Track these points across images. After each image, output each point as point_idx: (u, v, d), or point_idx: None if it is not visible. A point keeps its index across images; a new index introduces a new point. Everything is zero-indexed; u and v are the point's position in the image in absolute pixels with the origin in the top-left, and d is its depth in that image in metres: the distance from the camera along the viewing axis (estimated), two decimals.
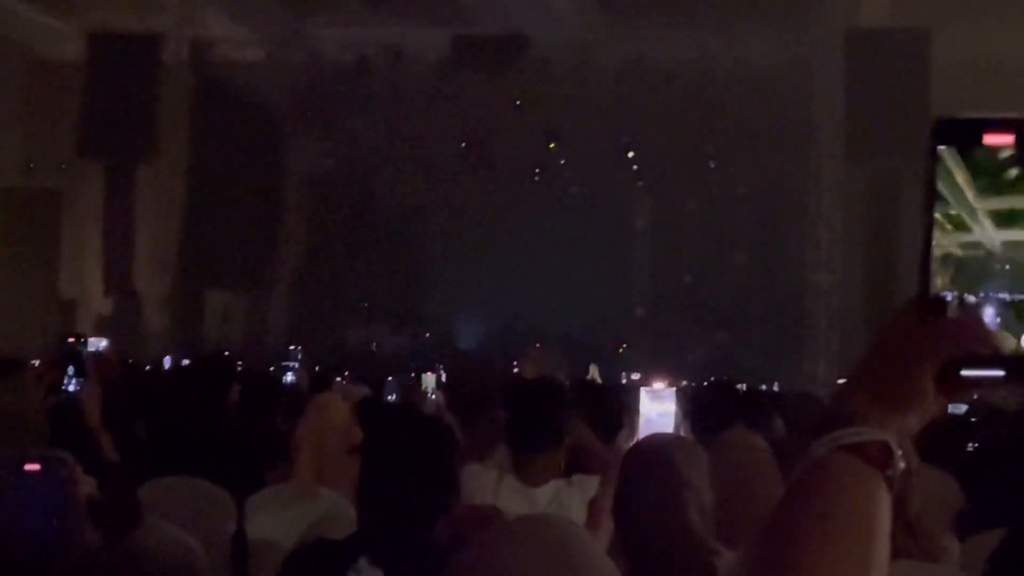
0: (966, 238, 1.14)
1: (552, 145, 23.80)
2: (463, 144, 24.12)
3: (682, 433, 3.45)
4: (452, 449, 3.12)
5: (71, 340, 4.40)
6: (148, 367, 11.08)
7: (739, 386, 16.04)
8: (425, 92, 23.30)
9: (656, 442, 2.86)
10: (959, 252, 1.15)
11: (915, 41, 20.58)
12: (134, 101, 22.58)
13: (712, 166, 23.53)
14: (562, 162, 24.01)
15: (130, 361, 10.77)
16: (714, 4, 19.82)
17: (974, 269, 1.15)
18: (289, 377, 8.02)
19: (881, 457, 1.13)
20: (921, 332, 1.14)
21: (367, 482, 3.01)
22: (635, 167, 23.90)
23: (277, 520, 5.00)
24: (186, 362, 10.64)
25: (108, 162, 23.70)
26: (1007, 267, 1.14)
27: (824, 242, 21.85)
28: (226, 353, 13.40)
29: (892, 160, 20.00)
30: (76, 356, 4.30)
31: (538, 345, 9.78)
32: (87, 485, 2.30)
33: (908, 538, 2.76)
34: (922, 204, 1.14)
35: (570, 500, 3.76)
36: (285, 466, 5.50)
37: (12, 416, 2.88)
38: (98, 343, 14.07)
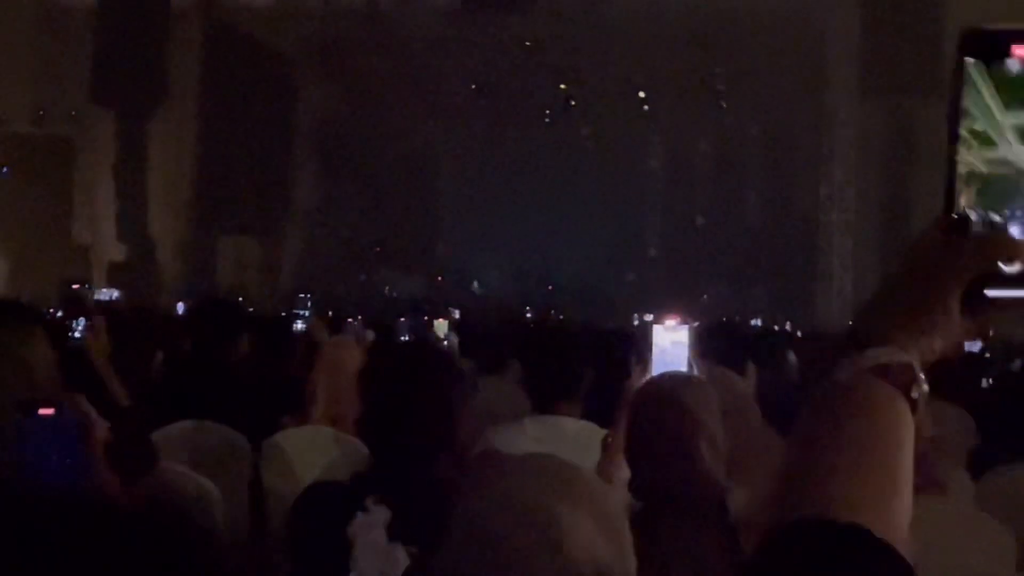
0: (992, 154, 1.12)
1: (563, 86, 23.68)
2: (474, 87, 24.01)
3: (695, 371, 3.44)
4: (452, 379, 3.11)
5: (75, 286, 4.41)
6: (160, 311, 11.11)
7: (753, 323, 16.10)
8: (436, 35, 23.18)
9: (666, 381, 2.86)
10: (984, 169, 1.12)
11: None
12: (145, 48, 22.51)
13: (724, 106, 23.39)
14: (573, 103, 23.90)
15: (143, 307, 10.80)
16: None
17: (1000, 186, 1.12)
18: (299, 325, 8.03)
19: (904, 379, 1.12)
20: (946, 250, 1.12)
21: (369, 412, 3.01)
22: (646, 107, 23.77)
23: (293, 463, 5.03)
24: (198, 306, 10.66)
25: (120, 109, 23.66)
26: None
27: (838, 181, 21.76)
28: (239, 299, 13.45)
29: (908, 97, 19.87)
30: (82, 301, 4.31)
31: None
32: (101, 429, 2.31)
33: (915, 470, 2.75)
34: (947, 119, 1.12)
35: (592, 442, 3.77)
36: (300, 410, 5.52)
37: (27, 366, 2.88)
38: (110, 292, 14.13)
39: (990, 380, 6.17)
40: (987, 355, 7.15)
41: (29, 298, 14.78)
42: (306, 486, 3.06)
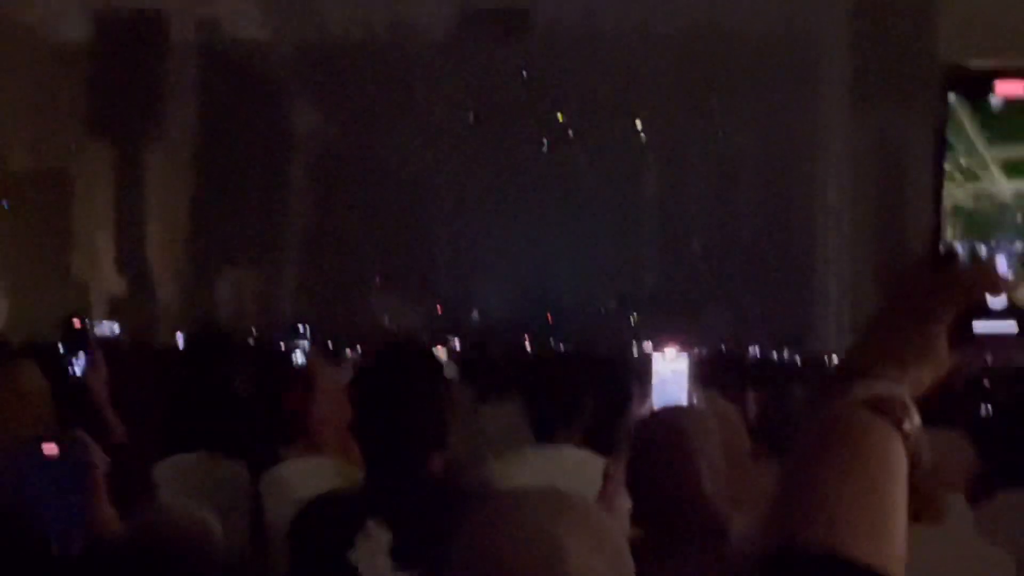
0: (977, 188, 1.13)
1: (559, 115, 23.75)
2: (472, 116, 24.07)
3: (695, 400, 3.44)
4: (439, 377, 3.12)
5: (75, 321, 4.40)
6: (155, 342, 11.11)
7: (751, 349, 16.10)
8: (433, 65, 23.26)
9: (667, 411, 2.87)
10: (970, 203, 1.13)
11: None
12: (142, 80, 22.59)
13: (720, 132, 23.46)
14: (570, 132, 23.97)
15: (142, 339, 10.80)
16: None
17: (985, 220, 1.12)
18: (299, 356, 8.03)
19: (896, 411, 1.13)
20: (932, 284, 1.13)
21: (361, 413, 3.01)
22: (642, 135, 23.84)
23: (293, 495, 5.01)
24: (195, 337, 10.65)
25: (117, 142, 23.72)
26: (1019, 218, 1.13)
27: (833, 205, 21.81)
28: (237, 329, 13.44)
29: (900, 115, 19.93)
30: (82, 337, 4.30)
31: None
32: (103, 465, 2.31)
33: (912, 499, 2.76)
34: (932, 154, 1.13)
35: (593, 471, 3.76)
36: (299, 442, 5.51)
37: (22, 401, 2.89)
38: (111, 326, 14.11)
39: (989, 406, 6.15)
40: (986, 381, 7.14)
41: (28, 331, 14.79)
42: (304, 503, 3.05)
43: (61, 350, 4.30)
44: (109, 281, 23.77)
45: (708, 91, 22.66)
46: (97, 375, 4.25)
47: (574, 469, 3.85)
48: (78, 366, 4.19)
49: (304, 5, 23.91)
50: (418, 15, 23.03)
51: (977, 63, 1.11)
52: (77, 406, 4.03)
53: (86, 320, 4.44)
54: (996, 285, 1.11)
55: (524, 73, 23.17)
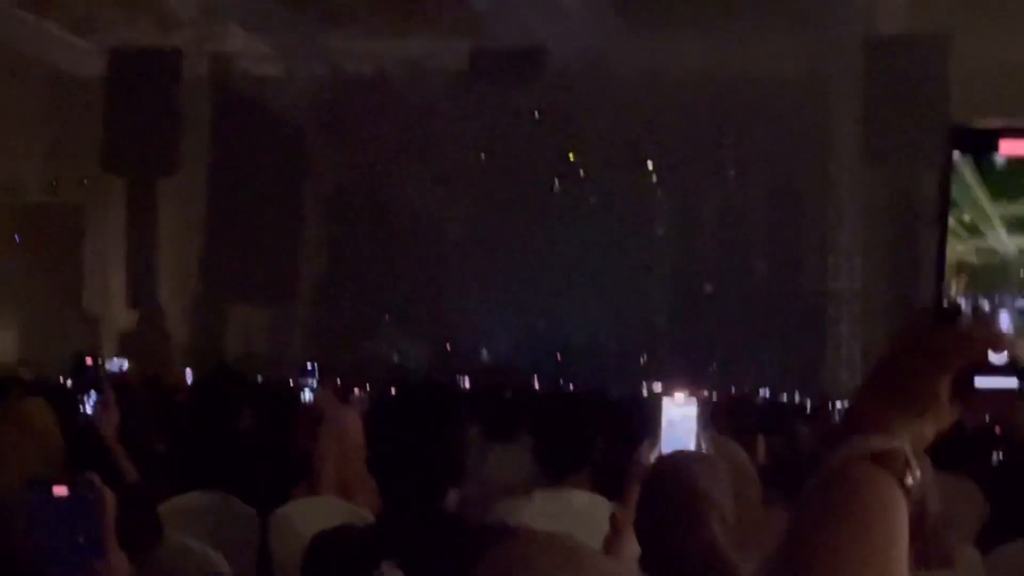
0: (981, 244, 1.15)
1: (571, 156, 23.82)
2: (482, 155, 24.15)
3: (703, 445, 3.44)
4: (457, 417, 3.12)
5: (88, 360, 4.42)
6: (169, 381, 11.12)
7: (761, 392, 16.08)
8: (444, 104, 23.35)
9: (676, 457, 2.88)
10: (974, 258, 1.15)
11: (933, 46, 20.53)
12: (155, 116, 22.71)
13: (732, 175, 23.50)
14: (581, 172, 24.02)
15: (152, 376, 10.81)
16: (732, 12, 19.81)
17: (989, 275, 1.15)
18: (307, 395, 8.04)
19: (898, 465, 1.14)
20: (935, 338, 1.14)
21: (377, 448, 3.02)
22: (654, 176, 23.88)
23: (301, 535, 5.01)
24: (206, 376, 10.66)
25: (130, 177, 23.82)
26: (1021, 273, 1.14)
27: (845, 249, 21.80)
28: (247, 367, 13.43)
29: (912, 165, 19.97)
30: (93, 375, 4.31)
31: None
32: (112, 506, 2.32)
33: (923, 547, 2.76)
34: (937, 211, 1.15)
35: (601, 515, 3.75)
36: (307, 482, 5.52)
37: (32, 439, 2.90)
38: (120, 363, 14.11)
39: (1000, 454, 6.15)
40: (996, 429, 7.14)
41: (38, 367, 14.81)
42: (317, 537, 3.04)
43: (72, 388, 4.31)
44: (119, 317, 23.81)
45: (720, 135, 22.71)
46: (108, 415, 4.27)
47: (581, 512, 3.85)
48: (89, 405, 4.21)
49: (317, 43, 24.06)
50: (430, 54, 23.15)
51: (981, 122, 1.14)
52: (87, 446, 4.04)
53: (99, 359, 4.45)
54: (998, 342, 1.12)
55: (536, 113, 23.24)
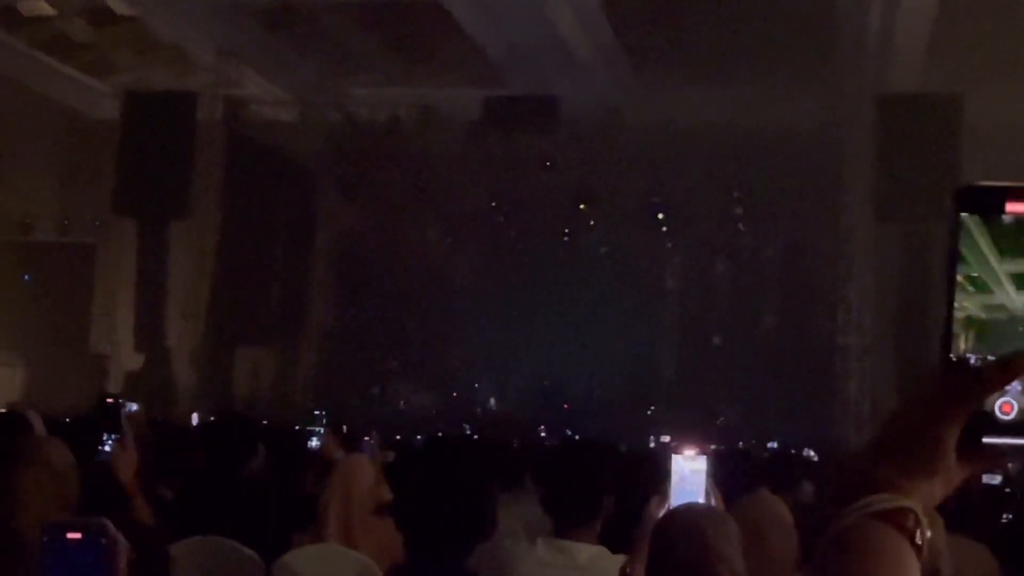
0: (989, 300, 1.16)
1: (582, 206, 23.88)
2: (493, 204, 24.23)
3: (713, 501, 3.43)
4: (489, 472, 3.12)
5: (109, 401, 4.42)
6: (175, 424, 11.09)
7: (770, 446, 16.01)
8: (456, 152, 23.45)
9: (687, 512, 2.86)
10: (982, 315, 1.16)
11: (946, 105, 20.62)
12: (168, 159, 22.81)
13: (742, 228, 23.54)
14: (592, 223, 24.07)
15: (159, 419, 10.78)
16: (744, 66, 19.92)
17: (998, 331, 1.16)
18: (314, 442, 8.03)
19: (908, 523, 1.14)
20: (941, 389, 1.15)
21: (406, 501, 3.02)
22: (665, 228, 23.93)
23: None
24: (213, 420, 10.65)
25: (142, 219, 23.91)
26: None
27: (855, 305, 21.77)
28: (242, 411, 13.38)
29: (923, 223, 19.98)
30: (115, 417, 4.31)
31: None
32: (126, 553, 2.30)
33: None
34: (944, 268, 1.16)
35: (609, 569, 3.73)
36: (313, 527, 5.49)
37: (50, 480, 2.89)
38: (130, 406, 14.10)
39: (1011, 515, 6.11)
40: (1008, 489, 7.11)
41: (45, 407, 14.79)
42: None
43: (92, 428, 4.31)
44: (127, 358, 23.82)
45: (731, 188, 22.76)
46: (127, 457, 4.26)
47: (585, 565, 3.83)
48: (108, 445, 4.21)
49: (331, 89, 24.21)
50: (444, 102, 23.27)
51: (989, 183, 1.15)
52: (104, 487, 4.03)
53: (120, 400, 4.47)
54: (1004, 379, 1.12)
55: (548, 163, 23.32)
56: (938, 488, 1.16)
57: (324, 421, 8.77)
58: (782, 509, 3.48)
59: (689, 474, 3.45)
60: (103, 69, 24.07)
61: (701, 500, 3.33)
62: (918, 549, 1.14)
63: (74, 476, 3.09)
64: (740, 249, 23.89)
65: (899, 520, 1.13)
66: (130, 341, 23.96)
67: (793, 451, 13.21)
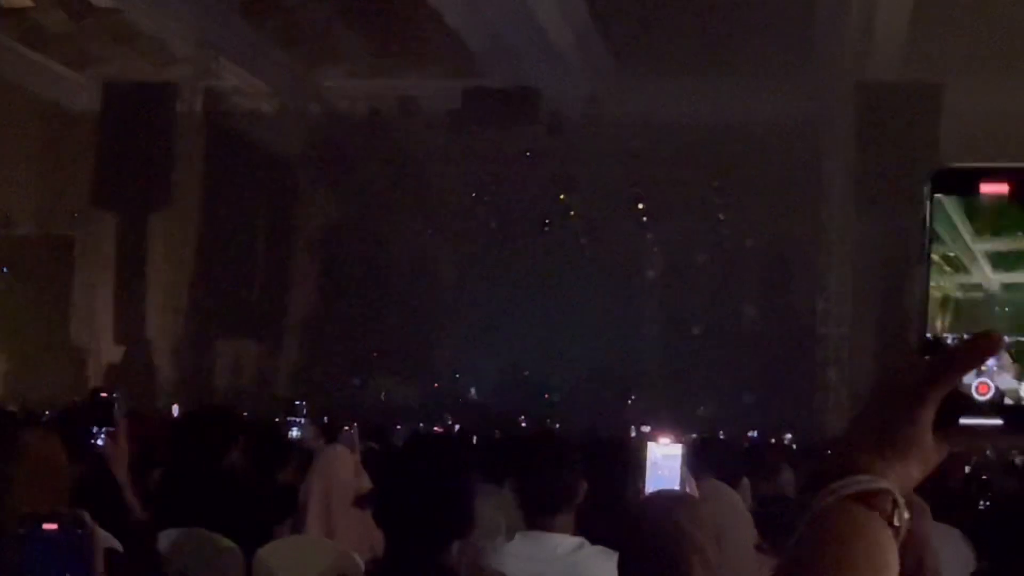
0: (965, 280, 1.17)
1: (563, 197, 23.88)
2: (474, 195, 24.20)
3: (688, 489, 3.44)
4: (469, 469, 3.13)
5: (103, 395, 4.41)
6: (156, 416, 11.08)
7: (750, 434, 16.06)
8: (436, 144, 23.40)
9: (660, 499, 2.87)
10: (958, 294, 1.17)
11: (924, 94, 20.67)
12: (148, 151, 22.71)
13: (721, 218, 23.57)
14: (572, 213, 24.08)
15: (139, 410, 10.76)
16: (725, 58, 19.95)
17: (973, 310, 1.17)
18: (295, 432, 8.01)
19: (886, 505, 1.14)
20: (917, 368, 1.15)
21: (386, 497, 3.02)
22: (645, 219, 23.94)
23: (285, 572, 4.99)
24: (193, 412, 10.62)
25: (121, 211, 23.80)
26: (1006, 309, 1.16)
27: (834, 294, 21.84)
28: (222, 403, 13.37)
29: (902, 212, 20.03)
30: (108, 411, 4.30)
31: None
32: (107, 541, 2.30)
33: None
34: (919, 249, 1.17)
35: (590, 560, 3.73)
36: (293, 519, 5.50)
37: (43, 473, 2.89)
38: (115, 394, 14.05)
39: (987, 501, 6.14)
40: (984, 476, 7.14)
41: (26, 400, 14.75)
42: None
43: (85, 422, 4.30)
44: (107, 350, 23.74)
45: (711, 178, 22.79)
46: (119, 450, 4.25)
47: (565, 556, 3.83)
48: (99, 439, 4.20)
49: (312, 81, 24.14)
50: (424, 94, 23.23)
51: (964, 164, 1.16)
52: (96, 481, 4.02)
53: (114, 394, 4.44)
54: (979, 357, 1.13)
55: (528, 154, 23.31)
56: (915, 469, 1.16)
57: (305, 411, 8.74)
58: (730, 494, 3.50)
59: (664, 462, 3.46)
60: (82, 61, 23.95)
61: (676, 487, 3.35)
62: (895, 531, 1.14)
63: (66, 470, 3.09)
64: (720, 239, 23.92)
65: (876, 502, 1.14)
66: (110, 333, 23.88)
67: (773, 439, 13.27)
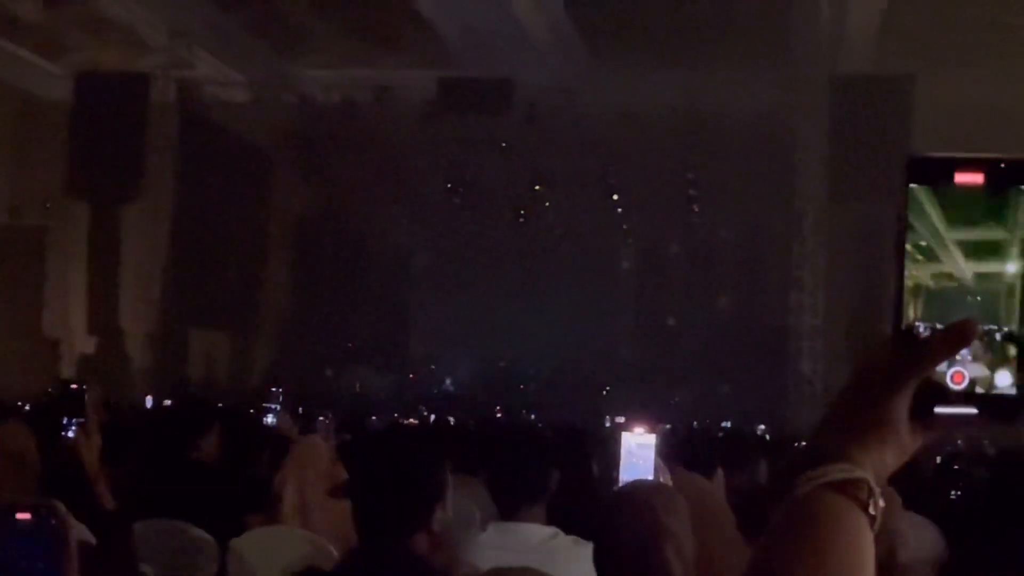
0: (938, 269, 1.18)
1: (537, 188, 23.88)
2: (449, 185, 24.18)
3: (663, 479, 3.46)
4: (433, 459, 3.13)
5: (73, 386, 4.39)
6: (130, 407, 11.04)
7: (724, 424, 16.11)
8: (411, 133, 23.36)
9: (635, 489, 2.88)
10: (930, 283, 1.18)
11: (897, 86, 20.75)
12: (121, 141, 22.58)
13: (696, 209, 23.62)
14: (547, 204, 24.08)
15: (112, 401, 10.71)
16: (699, 49, 19.96)
17: (945, 299, 1.18)
18: (270, 419, 7.99)
19: (862, 493, 1.15)
20: (892, 356, 1.16)
21: (353, 488, 3.02)
22: (619, 210, 23.97)
23: (259, 563, 4.99)
24: (167, 403, 10.59)
25: (94, 201, 23.68)
26: (978, 298, 1.17)
27: (807, 285, 21.91)
28: (201, 396, 13.31)
29: (875, 204, 20.10)
30: (79, 402, 4.28)
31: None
32: (80, 534, 2.29)
33: None
34: (895, 239, 1.18)
35: (565, 549, 3.74)
36: (267, 509, 5.49)
37: (11, 464, 2.87)
38: (86, 385, 13.99)
39: (958, 491, 6.18)
40: (956, 466, 7.18)
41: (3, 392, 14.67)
42: None
43: (56, 413, 4.28)
44: (80, 341, 23.62)
45: (686, 169, 22.83)
46: (90, 442, 4.24)
47: (537, 547, 3.84)
48: (70, 431, 4.18)
49: (286, 70, 24.05)
50: (399, 83, 23.17)
51: (938, 154, 1.17)
52: (66, 472, 4.01)
53: (84, 385, 4.42)
54: (954, 346, 1.14)
55: (503, 144, 23.30)
56: (891, 458, 1.17)
57: (280, 399, 8.72)
58: (704, 485, 3.52)
59: (638, 451, 3.48)
60: (54, 50, 23.78)
61: (650, 478, 3.37)
62: (871, 519, 1.15)
63: (35, 461, 3.07)
64: (694, 231, 23.97)
65: (852, 490, 1.14)
66: (83, 324, 23.76)
67: (746, 429, 13.32)
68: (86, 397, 4.25)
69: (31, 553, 2.13)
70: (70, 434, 4.14)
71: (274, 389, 9.26)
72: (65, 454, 4.08)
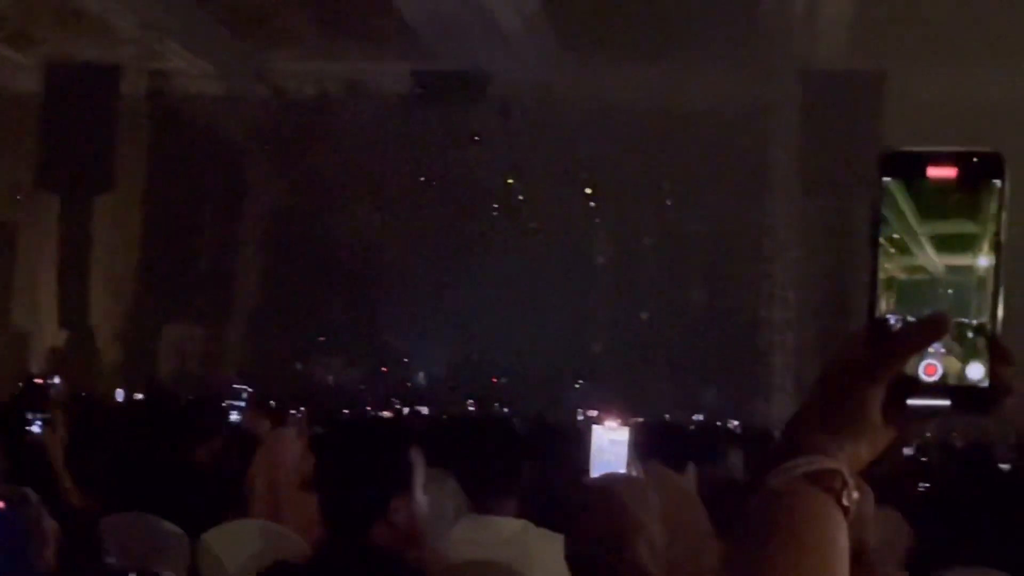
0: (910, 262, 1.18)
1: (510, 181, 23.87)
2: (422, 179, 24.14)
3: (635, 472, 3.46)
4: (396, 448, 3.13)
5: (38, 381, 4.38)
6: (100, 400, 10.98)
7: (696, 418, 16.16)
8: (384, 126, 23.31)
9: (606, 482, 2.89)
10: (903, 276, 1.18)
11: (870, 82, 20.84)
12: (91, 133, 22.46)
13: (669, 203, 23.66)
14: (520, 198, 24.08)
15: (83, 394, 10.67)
16: (672, 44, 19.99)
17: (917, 292, 1.18)
18: (235, 416, 7.96)
19: (835, 485, 1.15)
20: (862, 351, 1.16)
21: (324, 485, 3.03)
22: (593, 204, 23.99)
23: (230, 557, 4.97)
24: (138, 396, 10.56)
25: (64, 194, 23.54)
26: (950, 291, 1.17)
27: (779, 279, 22.00)
28: (167, 388, 13.26)
29: (848, 199, 20.20)
30: (43, 397, 4.27)
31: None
32: (49, 525, 2.29)
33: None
34: (868, 233, 1.18)
35: (536, 543, 3.74)
36: (239, 503, 5.47)
37: None
38: (51, 380, 13.91)
39: (927, 484, 6.22)
40: (924, 459, 7.23)
41: None
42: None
43: (21, 408, 4.26)
44: (50, 334, 23.49)
45: (659, 164, 22.87)
46: (55, 437, 4.22)
47: (509, 540, 3.84)
48: (36, 425, 4.16)
49: (258, 63, 23.95)
50: (371, 75, 23.12)
51: (912, 148, 1.18)
52: (32, 466, 3.99)
53: (49, 381, 4.42)
54: (928, 338, 1.14)
55: (476, 137, 23.28)
56: (864, 450, 1.18)
57: (248, 396, 8.69)
58: (675, 479, 3.52)
59: (610, 445, 3.48)
60: (24, 41, 23.61)
61: (622, 471, 3.37)
62: (845, 510, 1.15)
63: (1, 457, 3.06)
64: (668, 224, 24.02)
65: (826, 482, 1.15)
66: (53, 317, 23.63)
67: (719, 423, 13.36)
68: (51, 392, 4.24)
69: (9, 539, 2.13)
70: (35, 429, 4.12)
71: (240, 386, 9.21)
72: (30, 450, 4.06)
